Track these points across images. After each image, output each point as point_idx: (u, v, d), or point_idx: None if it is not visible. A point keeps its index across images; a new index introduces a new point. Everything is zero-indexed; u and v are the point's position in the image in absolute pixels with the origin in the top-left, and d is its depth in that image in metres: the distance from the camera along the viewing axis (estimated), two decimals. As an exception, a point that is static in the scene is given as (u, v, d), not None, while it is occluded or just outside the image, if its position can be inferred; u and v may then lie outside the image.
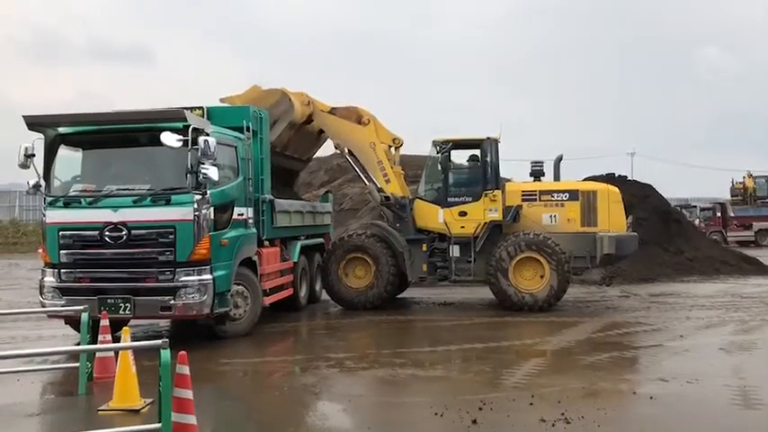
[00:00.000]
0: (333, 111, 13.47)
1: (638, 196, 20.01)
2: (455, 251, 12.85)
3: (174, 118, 8.86)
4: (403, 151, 13.83)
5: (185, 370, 5.11)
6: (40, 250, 9.61)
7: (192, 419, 5.08)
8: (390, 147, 13.51)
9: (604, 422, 5.79)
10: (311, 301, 13.44)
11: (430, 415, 6.03)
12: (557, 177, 13.59)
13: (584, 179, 17.81)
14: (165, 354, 4.97)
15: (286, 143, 13.09)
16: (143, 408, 6.31)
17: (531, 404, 6.32)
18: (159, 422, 5.02)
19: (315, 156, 16.26)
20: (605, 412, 6.09)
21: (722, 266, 19.35)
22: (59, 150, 9.51)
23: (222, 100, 12.18)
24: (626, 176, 21.92)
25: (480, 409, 6.12)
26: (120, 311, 8.95)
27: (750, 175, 39.95)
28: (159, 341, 5.00)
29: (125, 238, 8.95)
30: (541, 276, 12.24)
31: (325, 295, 13.67)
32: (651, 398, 6.51)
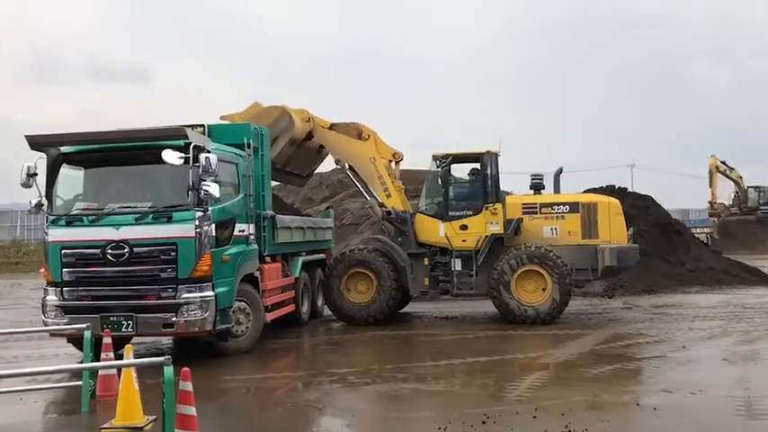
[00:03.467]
0: (333, 127, 13.56)
1: (638, 208, 20.06)
2: (457, 265, 12.86)
3: (175, 135, 8.92)
4: (401, 166, 13.92)
5: (189, 387, 5.13)
6: (43, 269, 9.63)
7: (195, 436, 5.08)
8: (391, 161, 13.57)
9: (608, 434, 5.78)
10: (313, 316, 13.43)
11: (433, 430, 6.01)
12: (557, 190, 13.63)
13: (584, 191, 17.89)
14: (169, 371, 4.98)
15: (287, 160, 13.16)
16: (146, 425, 6.29)
17: (535, 417, 6.31)
18: (163, 438, 5.01)
19: (316, 171, 16.35)
20: (609, 424, 6.08)
21: (723, 277, 19.32)
22: (61, 169, 9.56)
23: (223, 117, 12.26)
24: (626, 188, 21.97)
25: (484, 422, 6.12)
26: (123, 329, 8.95)
27: (713, 156, 40.57)
28: (162, 358, 5.02)
29: (127, 255, 8.98)
30: (543, 289, 12.23)
31: (327, 311, 13.67)
32: (655, 409, 6.50)
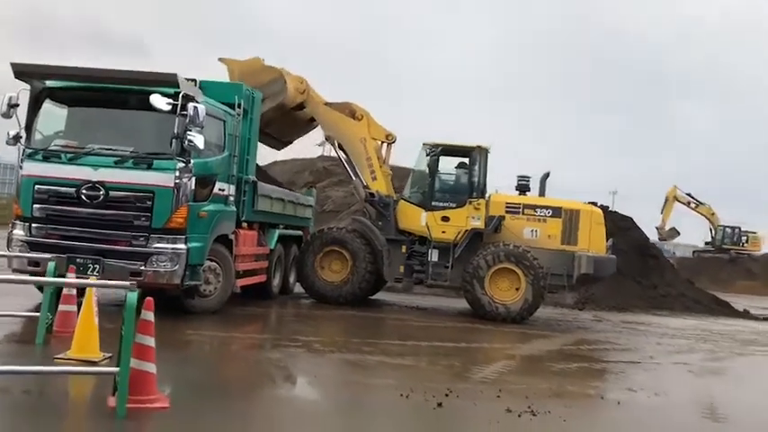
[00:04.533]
0: (327, 104, 13.41)
1: (618, 228, 20.16)
2: (434, 255, 12.77)
3: (166, 81, 8.70)
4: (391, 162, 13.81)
5: (150, 317, 4.97)
6: (15, 204, 9.36)
7: (151, 367, 4.92)
8: (383, 143, 13.46)
9: (570, 417, 5.71)
10: (284, 292, 13.23)
11: (395, 396, 5.89)
12: (542, 194, 13.60)
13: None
14: (132, 296, 4.81)
15: (268, 121, 12.92)
16: (102, 360, 6.11)
17: (499, 396, 6.22)
18: (117, 366, 4.83)
19: (302, 157, 16.16)
20: (572, 410, 6.01)
21: (694, 305, 19.45)
22: (45, 104, 9.29)
23: (221, 60, 12.07)
24: (608, 206, 22.07)
25: (447, 395, 6.01)
26: (89, 272, 8.67)
27: (674, 187, 41.31)
28: (127, 282, 4.85)
29: (102, 198, 8.73)
30: (517, 289, 12.18)
31: (297, 288, 13.50)
32: (618, 403, 6.45)
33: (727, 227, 44.16)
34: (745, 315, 19.72)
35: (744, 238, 44.08)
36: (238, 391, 5.83)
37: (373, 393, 6.20)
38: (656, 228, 40.55)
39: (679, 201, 41.86)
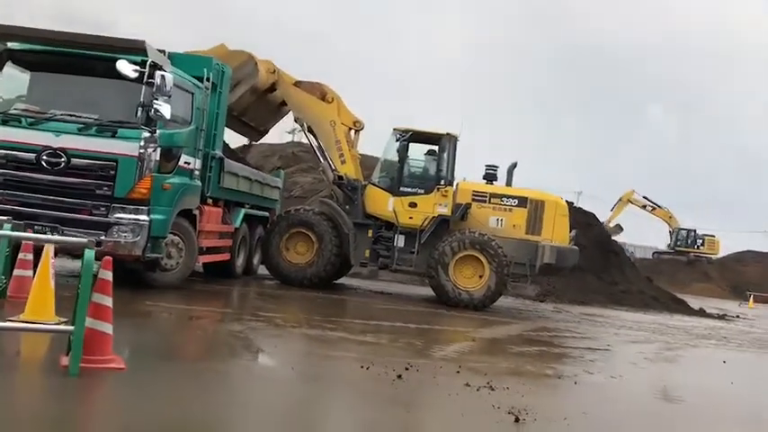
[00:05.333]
0: (298, 84, 13.30)
1: (581, 223, 20.41)
2: (400, 241, 12.79)
3: (133, 48, 8.53)
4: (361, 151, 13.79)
5: (108, 276, 4.87)
6: None
7: (107, 327, 4.82)
8: (351, 129, 13.41)
9: (528, 393, 5.76)
10: (247, 272, 13.11)
11: (356, 368, 5.89)
12: (509, 183, 13.71)
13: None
14: (90, 254, 4.70)
15: (244, 109, 12.85)
16: (57, 324, 5.95)
17: (458, 372, 6.25)
18: (72, 325, 4.72)
19: (271, 142, 16.04)
20: (529, 387, 6.07)
21: (652, 302, 19.85)
22: (5, 67, 9.03)
23: (186, 54, 11.83)
24: (572, 203, 22.36)
25: (407, 369, 6.02)
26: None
27: (632, 191, 42.70)
28: (85, 240, 4.74)
29: (63, 165, 8.53)
30: (480, 276, 12.27)
31: (261, 270, 13.40)
32: (575, 383, 6.54)
33: (683, 229, 45.30)
34: (701, 313, 20.20)
35: (700, 241, 45.20)
36: (195, 358, 5.77)
37: (333, 364, 6.18)
38: (603, 223, 41.65)
39: (634, 203, 43.23)
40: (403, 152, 12.99)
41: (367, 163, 14.41)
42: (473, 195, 13.00)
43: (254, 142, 17.41)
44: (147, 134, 8.59)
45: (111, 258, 4.91)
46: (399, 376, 5.69)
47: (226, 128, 11.80)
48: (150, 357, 5.51)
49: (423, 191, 12.89)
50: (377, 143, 14.00)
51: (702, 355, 10.56)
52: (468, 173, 14.12)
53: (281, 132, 26.74)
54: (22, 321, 5.89)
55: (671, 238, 45.70)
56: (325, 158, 13.32)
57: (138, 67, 8.26)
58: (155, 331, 6.74)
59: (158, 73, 8.35)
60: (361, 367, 5.87)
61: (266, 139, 16.26)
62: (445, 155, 12.99)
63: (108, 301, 4.84)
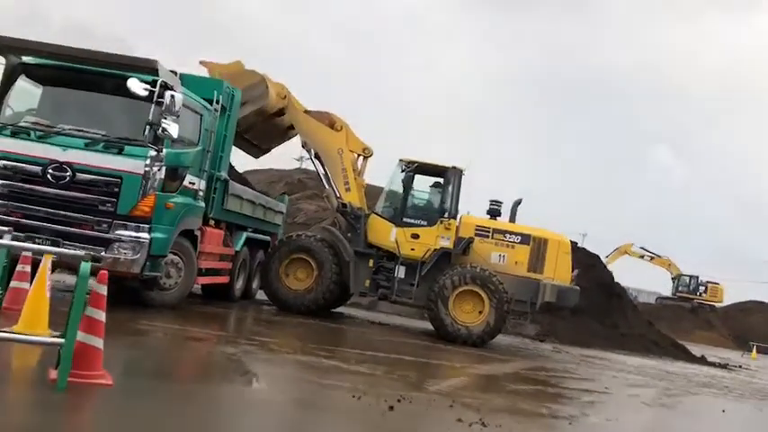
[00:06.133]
0: (307, 112, 13.41)
1: (584, 264, 20.33)
2: (401, 272, 12.72)
3: (145, 67, 8.65)
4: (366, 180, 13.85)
5: (103, 290, 4.84)
6: None
7: (99, 342, 4.77)
8: (359, 156, 13.47)
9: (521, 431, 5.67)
10: (245, 296, 13.06)
11: (347, 397, 5.81)
12: (512, 219, 13.68)
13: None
14: (86, 266, 4.68)
15: (248, 127, 12.89)
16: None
17: (451, 407, 6.14)
18: (63, 338, 4.68)
19: (278, 167, 16.12)
20: (522, 425, 5.97)
21: (652, 347, 19.64)
22: (19, 80, 9.14)
23: (202, 63, 11.98)
24: (576, 242, 22.28)
25: (399, 401, 5.93)
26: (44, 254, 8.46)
27: (630, 244, 43.68)
28: (82, 252, 4.73)
29: (68, 179, 8.57)
30: (480, 312, 12.16)
31: (260, 295, 13.34)
32: (569, 423, 6.43)
33: (686, 276, 45.19)
34: (702, 361, 19.95)
35: (702, 288, 44.98)
36: (185, 379, 5.70)
37: (325, 392, 6.10)
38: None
39: (632, 255, 43.71)
40: (408, 183, 13.01)
41: (372, 192, 14.42)
42: (476, 230, 12.96)
43: (254, 158, 17.40)
44: (153, 153, 8.64)
45: (106, 272, 4.88)
46: (391, 408, 5.60)
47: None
48: (140, 376, 5.45)
49: (426, 223, 12.86)
50: (380, 173, 14.04)
51: (702, 402, 10.39)
52: (471, 207, 14.03)
53: (289, 158, 26.76)
54: (14, 333, 5.86)
55: (673, 285, 45.51)
56: (331, 185, 13.35)
57: (148, 86, 8.34)
58: (147, 350, 6.67)
59: (168, 93, 8.43)
60: (353, 397, 5.80)
61: (273, 165, 16.37)
62: (450, 188, 12.99)
63: (101, 316, 4.80)
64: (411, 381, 7.42)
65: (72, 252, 4.92)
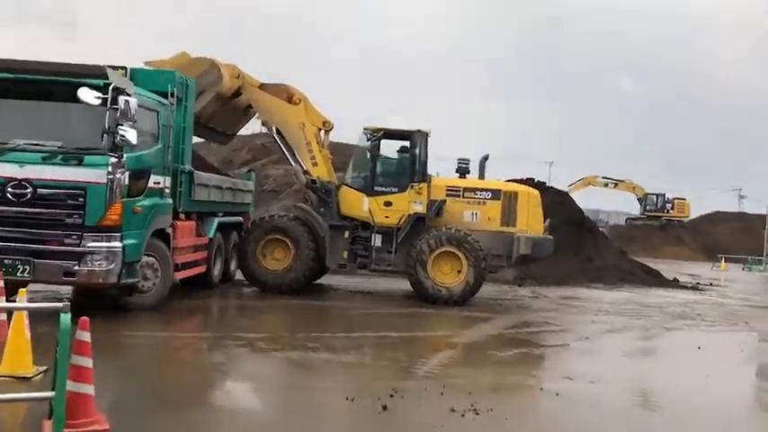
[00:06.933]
0: (263, 86, 13.13)
1: (554, 203, 20.62)
2: (377, 240, 12.80)
3: (94, 74, 8.36)
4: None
5: (86, 337, 4.80)
6: None
7: (89, 389, 4.77)
8: (320, 130, 13.31)
9: (512, 415, 5.87)
10: (225, 280, 13.07)
11: (341, 400, 5.93)
12: (482, 176, 13.77)
13: (506, 181, 18.19)
14: (66, 317, 4.62)
15: (211, 115, 12.67)
16: (35, 376, 5.91)
17: (442, 394, 6.31)
18: (53, 390, 4.67)
19: (239, 133, 15.89)
20: (513, 406, 6.18)
21: (626, 276, 20.22)
22: (-37, 96, 8.76)
23: (147, 63, 11.58)
24: (545, 182, 22.54)
25: (391, 396, 6.06)
26: (18, 273, 8.34)
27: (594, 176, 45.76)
28: (60, 304, 4.67)
29: (29, 196, 8.36)
30: (459, 271, 12.36)
31: (239, 275, 13.34)
32: (557, 394, 6.64)
33: (652, 194, 46.27)
34: (674, 284, 20.63)
35: (669, 205, 46.11)
36: (179, 405, 5.74)
37: (318, 397, 6.20)
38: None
39: (596, 185, 44.93)
40: (374, 151, 12.94)
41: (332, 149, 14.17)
42: (447, 191, 13.03)
43: (222, 145, 17.19)
44: (113, 160, 8.44)
45: (87, 319, 4.83)
46: (385, 407, 5.73)
47: (194, 136, 11.70)
48: (133, 410, 5.46)
49: (397, 189, 12.87)
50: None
51: (678, 340, 10.80)
52: (439, 169, 14.13)
53: (251, 123, 26.33)
54: (1, 376, 5.84)
55: (641, 205, 46.55)
56: (297, 161, 13.22)
57: (100, 94, 8.08)
58: (136, 374, 6.67)
59: (122, 98, 8.18)
60: (347, 399, 5.92)
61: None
62: (417, 152, 12.96)
63: (88, 362, 4.78)
64: (401, 365, 7.59)
65: (48, 305, 4.85)
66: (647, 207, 46.00)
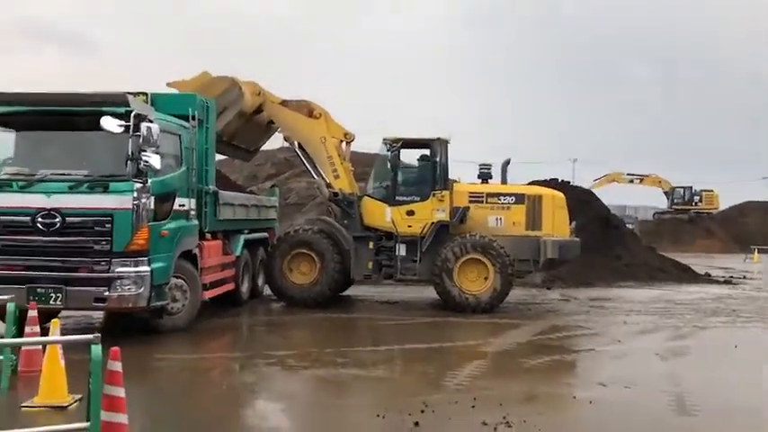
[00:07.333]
0: (284, 103, 13.24)
1: (580, 201, 20.42)
2: (401, 250, 12.80)
3: (116, 102, 8.50)
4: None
5: (117, 366, 4.86)
6: None
7: (122, 418, 4.82)
8: (342, 141, 13.38)
9: (545, 427, 5.80)
10: (253, 296, 13.17)
11: (371, 417, 5.93)
12: (504, 180, 13.71)
13: (529, 183, 18.11)
14: (96, 349, 4.72)
15: (233, 133, 12.81)
16: (71, 404, 6.00)
17: (473, 407, 6.28)
18: (87, 421, 4.75)
19: (262, 148, 16.03)
20: (546, 417, 6.11)
21: (656, 273, 19.92)
22: (-9, 131, 8.99)
23: (169, 84, 11.77)
24: (569, 182, 22.38)
25: (422, 411, 6.05)
26: (51, 302, 8.52)
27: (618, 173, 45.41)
28: (90, 336, 4.75)
29: (59, 225, 8.53)
30: (485, 278, 12.30)
31: (267, 290, 13.44)
32: (591, 402, 6.57)
33: (679, 187, 45.59)
34: (707, 279, 20.28)
35: (697, 197, 45.39)
36: (211, 428, 5.79)
37: (349, 417, 6.20)
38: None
39: (621, 182, 44.54)
40: (395, 161, 12.94)
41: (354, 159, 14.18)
42: (470, 197, 12.98)
43: (245, 162, 17.35)
44: (138, 185, 8.58)
45: (118, 349, 4.90)
46: (416, 423, 5.72)
47: (217, 153, 11.84)
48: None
49: (419, 198, 12.86)
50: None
51: (713, 340, 10.60)
52: (461, 174, 14.06)
53: (274, 138, 26.63)
54: (37, 406, 5.95)
55: (668, 198, 45.90)
56: (319, 175, 13.30)
57: (122, 122, 8.22)
58: (167, 396, 6.76)
59: (143, 125, 8.31)
60: (377, 416, 5.91)
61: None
62: (438, 159, 12.94)
63: (120, 392, 4.84)
64: (430, 378, 7.56)
65: (79, 338, 4.93)
66: (675, 201, 45.31)
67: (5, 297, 6.98)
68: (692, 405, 6.57)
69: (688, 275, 20.38)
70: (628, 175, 45.23)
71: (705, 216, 44.89)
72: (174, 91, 11.57)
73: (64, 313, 9.78)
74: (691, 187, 45.80)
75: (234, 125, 12.43)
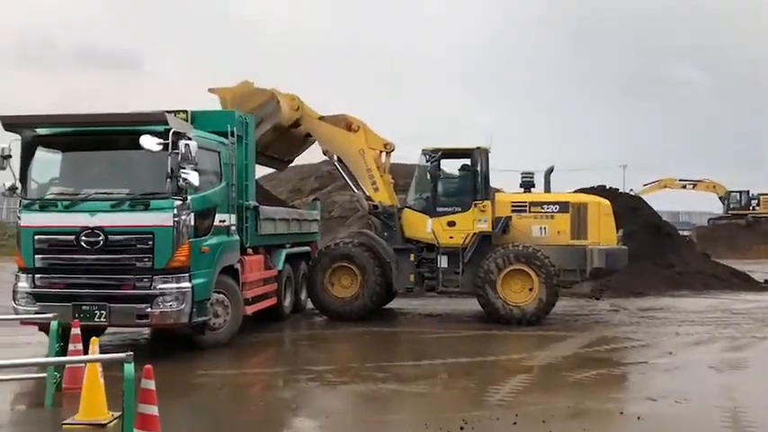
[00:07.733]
0: (322, 118, 13.29)
1: (628, 209, 19.87)
2: (443, 262, 12.63)
3: (154, 120, 8.63)
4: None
5: (151, 385, 4.87)
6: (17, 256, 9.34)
7: (156, 436, 4.83)
8: (382, 152, 13.33)
9: (590, 444, 5.57)
10: (296, 310, 13.18)
11: (411, 434, 5.80)
12: (547, 189, 13.41)
13: (575, 191, 17.69)
14: (129, 368, 4.73)
15: (268, 144, 12.87)
16: (110, 422, 6.04)
17: (515, 423, 6.08)
18: (122, 438, 4.76)
19: (306, 162, 16.11)
20: (592, 433, 5.87)
21: (712, 281, 19.17)
22: (37, 152, 9.24)
23: (211, 90, 11.97)
24: (617, 189, 21.82)
25: (462, 428, 5.89)
26: (95, 319, 8.67)
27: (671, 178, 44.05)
28: (123, 354, 4.77)
29: (102, 243, 8.69)
30: (530, 289, 12.01)
31: (310, 304, 13.43)
32: (639, 418, 6.29)
33: (735, 192, 44.05)
34: (765, 287, 19.43)
35: (755, 202, 43.76)
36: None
37: (387, 432, 6.09)
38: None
39: (673, 188, 43.37)
40: (435, 172, 12.79)
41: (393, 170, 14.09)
42: (512, 206, 12.74)
43: (279, 172, 17.41)
44: (178, 202, 8.68)
45: (151, 367, 4.91)
46: (456, 440, 5.57)
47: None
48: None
49: (460, 208, 12.69)
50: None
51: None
52: (503, 184, 13.85)
53: (316, 151, 26.88)
54: (78, 423, 6.02)
55: (724, 204, 44.38)
56: (359, 188, 13.27)
57: (161, 140, 8.32)
58: (209, 412, 6.75)
59: (182, 142, 8.40)
60: (417, 433, 5.78)
61: (300, 160, 16.25)
62: (478, 169, 12.76)
63: (154, 410, 4.84)
64: (471, 393, 7.38)
65: (112, 357, 4.97)
66: (731, 205, 43.73)
67: (49, 315, 7.14)
68: (749, 422, 6.22)
69: (745, 283, 19.55)
70: (680, 180, 43.97)
71: (763, 220, 43.16)
72: (215, 101, 11.77)
73: (111, 329, 9.95)
74: (747, 191, 44.18)
75: (269, 137, 12.49)
